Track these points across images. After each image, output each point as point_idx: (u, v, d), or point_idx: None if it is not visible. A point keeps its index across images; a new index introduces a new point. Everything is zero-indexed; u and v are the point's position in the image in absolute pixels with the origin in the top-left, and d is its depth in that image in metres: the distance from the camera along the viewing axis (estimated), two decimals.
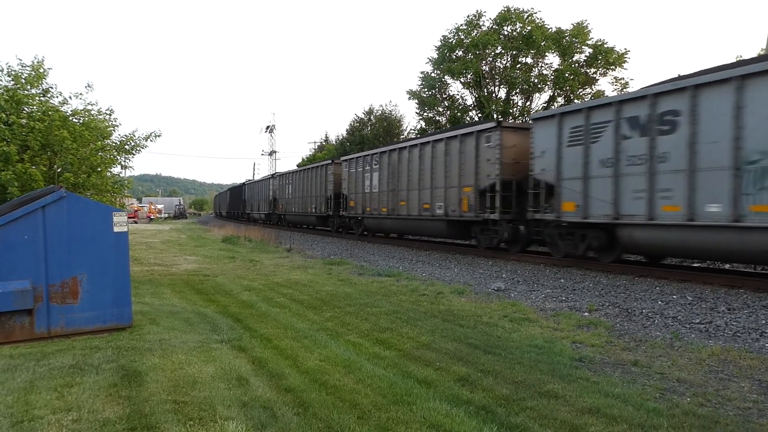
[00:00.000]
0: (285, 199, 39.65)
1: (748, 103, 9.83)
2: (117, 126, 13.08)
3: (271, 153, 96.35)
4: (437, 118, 38.56)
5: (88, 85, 12.74)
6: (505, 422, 4.44)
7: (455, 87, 37.78)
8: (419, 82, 37.94)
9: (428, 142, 20.13)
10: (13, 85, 11.88)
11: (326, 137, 73.17)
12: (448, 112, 37.41)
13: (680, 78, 11.78)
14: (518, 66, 34.53)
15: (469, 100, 36.99)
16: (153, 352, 6.22)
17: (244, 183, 61.18)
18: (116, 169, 13.98)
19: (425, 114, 39.05)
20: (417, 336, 7.47)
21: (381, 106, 66.28)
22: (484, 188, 16.74)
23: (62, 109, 12.24)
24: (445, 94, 37.86)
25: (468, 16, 35.12)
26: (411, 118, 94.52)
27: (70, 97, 12.60)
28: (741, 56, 29.28)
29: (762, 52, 23.90)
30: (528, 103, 34.86)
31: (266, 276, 14.12)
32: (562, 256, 14.84)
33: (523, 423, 4.44)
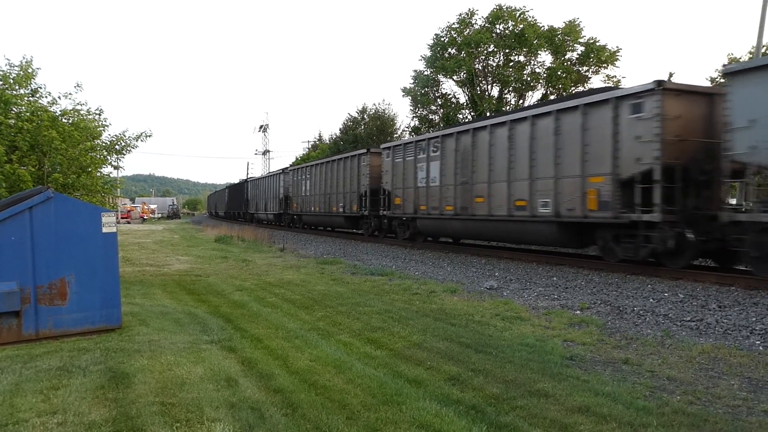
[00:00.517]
0: (301, 197, 34.57)
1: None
2: (107, 126, 13.03)
3: (265, 152, 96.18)
4: (431, 116, 38.53)
5: (78, 85, 12.66)
6: (495, 422, 4.42)
7: (448, 85, 37.74)
8: (412, 81, 37.90)
9: (524, 118, 15.32)
10: (1, 85, 11.79)
11: (320, 136, 73.20)
12: (442, 111, 37.38)
13: None
14: (511, 64, 34.54)
15: (462, 99, 37.01)
16: (142, 354, 6.17)
17: (246, 180, 56.47)
18: (107, 170, 13.91)
19: (419, 112, 39.02)
20: (408, 335, 7.44)
21: (374, 104, 66.37)
22: (629, 178, 12.17)
23: (51, 109, 12.16)
24: (438, 92, 37.85)
25: (460, 15, 35.13)
26: (404, 117, 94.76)
27: (59, 97, 12.54)
28: (732, 54, 29.39)
29: (753, 50, 23.97)
30: (521, 101, 34.88)
31: (258, 276, 14.07)
32: None
33: (513, 422, 4.42)
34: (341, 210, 27.95)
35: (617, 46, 32.46)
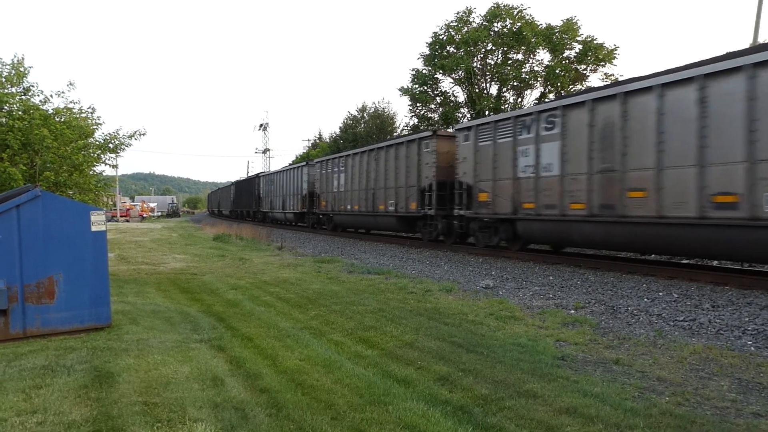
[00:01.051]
0: (332, 194, 29.25)
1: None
2: (100, 124, 12.98)
3: (265, 151, 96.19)
4: (430, 115, 38.45)
5: (71, 84, 12.63)
6: (482, 423, 4.37)
7: (447, 83, 37.65)
8: (411, 79, 37.82)
9: (732, 70, 10.18)
10: None
11: (320, 135, 73.17)
12: (441, 109, 37.31)
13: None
14: (509, 62, 34.47)
15: (461, 97, 36.93)
16: (129, 353, 6.12)
17: (258, 174, 50.27)
18: (102, 168, 13.86)
19: (418, 110, 38.93)
20: (401, 334, 7.39)
21: (374, 103, 66.24)
22: None
23: (44, 107, 12.11)
24: (437, 90, 37.77)
25: (458, 13, 35.06)
26: (403, 116, 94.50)
27: (52, 96, 12.49)
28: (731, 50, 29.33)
29: (751, 44, 23.90)
30: (519, 99, 34.82)
31: (254, 274, 14.02)
32: None
33: (499, 423, 4.37)
34: (391, 209, 22.59)
35: (615, 44, 32.35)
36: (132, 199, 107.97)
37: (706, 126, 10.57)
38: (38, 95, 12.55)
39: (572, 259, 14.56)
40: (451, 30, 35.26)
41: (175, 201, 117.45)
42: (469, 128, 17.84)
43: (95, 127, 13.04)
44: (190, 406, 4.53)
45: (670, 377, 5.56)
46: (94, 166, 13.13)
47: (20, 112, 11.71)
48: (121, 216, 63.54)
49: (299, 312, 9.00)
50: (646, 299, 9.61)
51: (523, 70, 34.16)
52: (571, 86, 32.60)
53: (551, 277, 12.41)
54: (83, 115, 12.84)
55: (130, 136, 13.06)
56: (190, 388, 4.99)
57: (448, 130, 22.30)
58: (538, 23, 33.43)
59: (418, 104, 37.98)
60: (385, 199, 23.26)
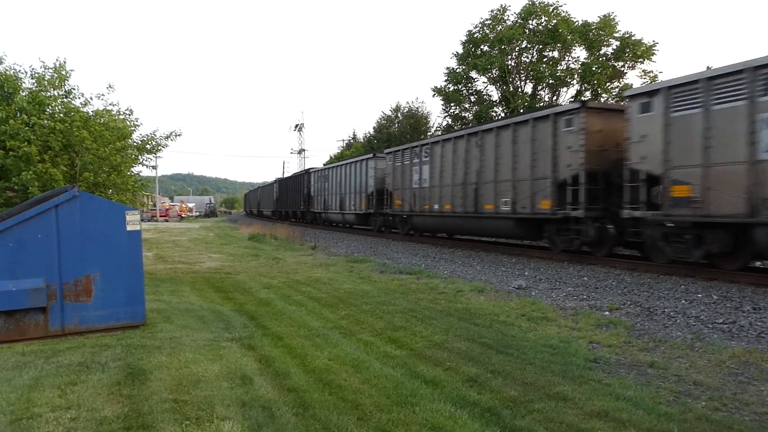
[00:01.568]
0: (409, 190, 23.63)
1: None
2: (138, 126, 13.26)
3: (300, 151, 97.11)
4: (463, 114, 38.24)
5: (110, 86, 12.94)
6: (509, 425, 4.32)
7: (481, 82, 37.37)
8: (445, 78, 37.66)
9: None
10: (36, 87, 12.10)
11: (354, 135, 73.44)
12: (475, 108, 37.06)
13: None
14: (544, 60, 34.04)
15: (495, 96, 36.63)
16: (161, 351, 6.22)
17: (308, 170, 43.64)
18: (138, 168, 14.17)
19: (451, 110, 38.76)
20: (430, 335, 7.35)
21: (408, 102, 66.27)
22: None
23: (84, 109, 12.43)
24: (472, 89, 37.53)
25: (492, 11, 34.78)
26: (437, 116, 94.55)
27: (92, 98, 12.82)
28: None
29: None
30: (555, 97, 34.35)
31: (287, 274, 14.14)
32: None
33: (528, 426, 4.30)
34: (506, 209, 17.14)
35: (653, 40, 31.67)
36: (171, 199, 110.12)
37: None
38: (79, 98, 12.91)
39: (607, 260, 14.28)
40: (485, 28, 35.00)
41: (212, 201, 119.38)
42: (653, 93, 12.52)
43: (133, 128, 13.34)
44: (218, 404, 4.58)
45: (707, 381, 5.40)
46: (132, 166, 13.43)
47: (61, 115, 12.05)
48: (160, 216, 64.88)
49: (330, 311, 9.03)
50: (683, 301, 9.36)
51: (558, 68, 33.70)
52: (608, 83, 32.02)
53: (585, 278, 12.20)
54: (122, 116, 13.14)
55: (167, 137, 13.33)
56: (220, 386, 5.05)
57: (605, 103, 19.03)
58: (574, 20, 32.93)
59: (451, 104, 37.80)
60: (495, 196, 17.51)
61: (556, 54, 34.11)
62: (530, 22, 33.73)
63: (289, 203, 48.84)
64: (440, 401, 4.79)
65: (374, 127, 58.12)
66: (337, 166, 34.97)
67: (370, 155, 29.49)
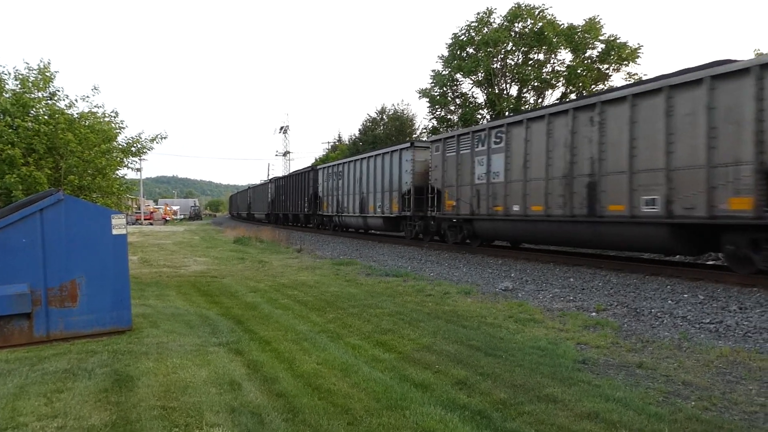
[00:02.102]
0: (470, 188, 18.29)
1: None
2: (123, 128, 13.13)
3: (285, 153, 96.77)
4: (449, 116, 38.29)
5: (95, 88, 12.79)
6: (501, 428, 4.31)
7: (466, 84, 37.44)
8: (430, 81, 37.70)
9: None
10: (20, 88, 11.94)
11: (339, 137, 73.36)
12: (460, 111, 37.13)
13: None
14: (530, 63, 34.20)
15: (480, 98, 36.73)
16: (148, 356, 6.15)
17: (314, 167, 38.10)
18: (123, 171, 14.03)
19: (437, 113, 38.81)
20: (418, 338, 7.34)
21: (393, 105, 66.36)
22: None
23: (69, 112, 12.29)
24: (457, 92, 37.61)
25: (478, 14, 34.86)
26: (422, 118, 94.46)
27: (77, 100, 12.67)
28: (759, 50, 28.76)
29: None
30: (540, 100, 34.52)
31: (273, 277, 14.06)
32: None
33: (519, 428, 4.30)
34: (656, 209, 11.91)
35: (638, 43, 31.91)
36: (155, 202, 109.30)
37: None
38: (63, 99, 12.75)
39: (593, 261, 14.37)
40: (471, 31, 35.09)
41: (197, 204, 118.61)
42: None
43: (118, 131, 13.20)
44: (207, 410, 4.54)
45: (696, 381, 5.44)
46: (117, 169, 13.30)
47: (46, 117, 11.90)
48: (144, 219, 64.34)
49: (317, 315, 8.99)
50: (670, 301, 9.43)
51: (544, 71, 33.88)
52: (593, 86, 32.25)
53: (572, 279, 12.26)
54: (107, 119, 13.00)
55: (152, 140, 13.21)
56: (208, 392, 5.00)
57: None
58: (560, 23, 33.12)
59: (436, 106, 37.85)
60: (629, 192, 12.50)
61: (541, 56, 34.27)
62: (516, 24, 33.84)
63: (289, 205, 43.02)
64: (430, 405, 4.78)
65: (359, 129, 58.09)
66: (357, 159, 28.88)
67: (407, 144, 23.72)
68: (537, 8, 33.55)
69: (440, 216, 20.61)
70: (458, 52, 35.85)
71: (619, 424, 4.33)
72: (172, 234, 37.52)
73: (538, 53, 34.15)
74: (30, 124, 11.71)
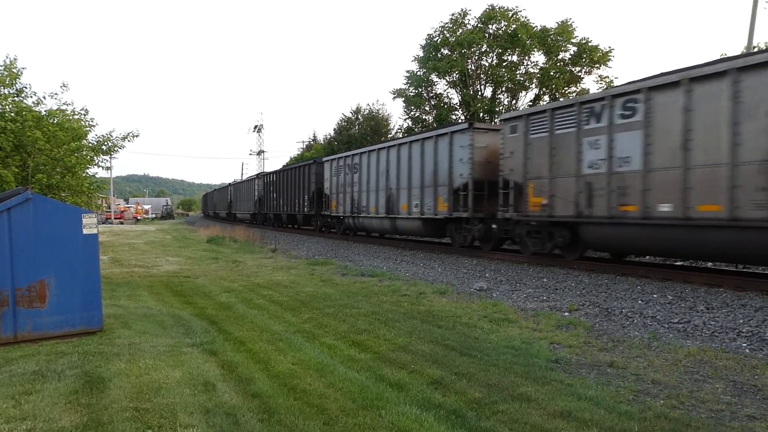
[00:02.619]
0: (586, 180, 13.14)
1: None
2: (93, 126, 12.92)
3: (260, 152, 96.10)
4: (424, 117, 38.44)
5: (64, 85, 12.59)
6: (475, 427, 4.35)
7: (441, 85, 37.64)
8: (405, 81, 37.81)
9: None
10: None
11: (314, 137, 73.07)
12: (435, 111, 37.30)
13: None
14: (504, 64, 34.52)
15: (455, 99, 36.95)
16: (120, 357, 6.06)
17: (314, 160, 33.07)
18: (93, 170, 13.80)
19: (412, 113, 38.93)
20: (394, 338, 7.36)
21: (368, 105, 66.21)
22: None
23: (36, 109, 12.04)
24: (432, 92, 37.78)
25: (453, 15, 35.07)
26: (398, 118, 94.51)
27: (45, 97, 12.43)
28: (725, 53, 29.42)
29: (744, 50, 24.00)
30: (514, 101, 34.87)
31: (248, 277, 13.97)
32: None
33: (493, 427, 4.34)
34: None
35: (609, 47, 32.52)
36: (126, 201, 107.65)
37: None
38: (31, 96, 12.50)
39: (566, 261, 14.55)
40: (445, 32, 35.29)
41: (169, 203, 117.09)
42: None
43: (88, 128, 12.99)
44: (181, 411, 4.49)
45: (664, 380, 5.55)
46: (87, 168, 13.07)
47: (13, 114, 11.65)
48: (115, 218, 63.32)
49: (292, 315, 8.96)
50: (640, 301, 9.61)
51: (517, 72, 34.22)
52: (565, 88, 32.67)
53: (545, 279, 12.40)
54: (76, 116, 12.77)
55: (124, 138, 13.02)
56: (182, 393, 4.94)
57: None
58: (533, 25, 33.50)
59: (412, 107, 37.96)
60: None
61: (515, 58, 34.64)
62: (490, 26, 34.15)
63: (282, 204, 37.54)
64: (406, 404, 4.79)
65: (334, 129, 57.93)
66: (381, 148, 23.45)
67: (463, 125, 18.12)
68: (510, 10, 33.89)
69: (520, 218, 15.41)
70: (433, 53, 36.03)
71: (590, 422, 4.40)
72: (143, 233, 37.01)
73: (512, 55, 34.51)
74: None
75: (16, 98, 12.19)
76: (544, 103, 30.96)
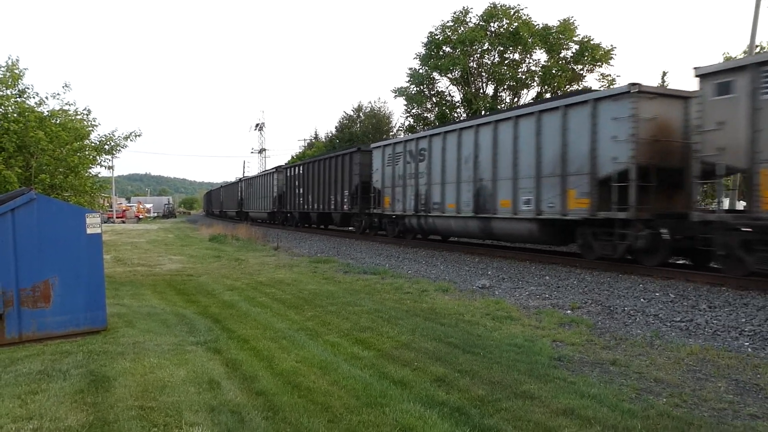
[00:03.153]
0: None
1: None
2: (96, 126, 12.96)
3: (261, 151, 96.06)
4: (425, 114, 38.40)
5: (66, 85, 12.60)
6: (479, 424, 4.37)
7: (443, 83, 37.59)
8: (407, 79, 37.78)
9: None
10: None
11: (316, 134, 73.12)
12: (437, 109, 37.26)
13: None
14: (506, 62, 34.47)
15: (457, 97, 36.92)
16: (125, 356, 6.10)
17: (361, 147, 27.11)
18: (96, 170, 13.83)
19: (413, 111, 38.89)
20: (397, 335, 7.38)
21: (370, 102, 66.34)
22: None
23: (39, 109, 12.08)
24: (433, 90, 37.74)
25: (455, 13, 35.04)
26: (399, 116, 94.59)
27: (47, 98, 12.47)
28: (727, 53, 29.34)
29: (746, 50, 23.96)
30: (516, 99, 34.82)
31: (250, 275, 14.00)
32: None
33: (497, 425, 4.36)
34: None
35: (611, 45, 32.41)
36: (128, 200, 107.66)
37: None
38: (34, 97, 12.53)
39: (568, 259, 14.56)
40: (447, 30, 35.25)
41: (171, 202, 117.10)
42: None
43: (91, 128, 13.02)
44: (186, 410, 4.52)
45: (667, 378, 5.57)
46: (90, 167, 13.10)
47: (15, 115, 11.68)
48: (117, 217, 63.37)
49: (295, 313, 8.98)
50: (642, 300, 9.62)
51: (519, 70, 34.18)
52: (567, 86, 32.63)
53: (547, 277, 12.42)
54: (79, 116, 12.81)
55: (126, 138, 13.06)
56: (187, 391, 4.97)
57: None
58: (535, 23, 33.44)
59: (413, 104, 37.93)
60: None
61: (517, 56, 34.58)
62: (492, 24, 34.09)
63: (312, 201, 31.73)
64: (409, 401, 4.82)
65: (336, 127, 58.07)
66: (464, 128, 18.18)
67: (621, 89, 12.64)
68: (512, 8, 33.84)
69: (742, 222, 10.39)
70: (435, 51, 35.99)
71: (593, 420, 4.42)
72: (145, 232, 37.07)
73: (514, 53, 34.45)
74: None
75: (18, 99, 12.22)
76: None
